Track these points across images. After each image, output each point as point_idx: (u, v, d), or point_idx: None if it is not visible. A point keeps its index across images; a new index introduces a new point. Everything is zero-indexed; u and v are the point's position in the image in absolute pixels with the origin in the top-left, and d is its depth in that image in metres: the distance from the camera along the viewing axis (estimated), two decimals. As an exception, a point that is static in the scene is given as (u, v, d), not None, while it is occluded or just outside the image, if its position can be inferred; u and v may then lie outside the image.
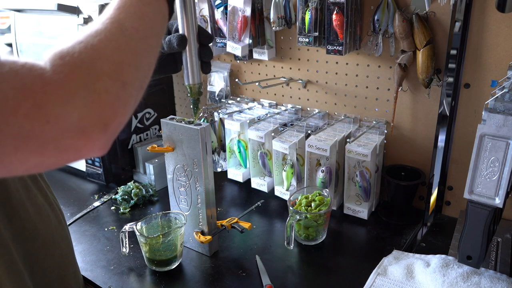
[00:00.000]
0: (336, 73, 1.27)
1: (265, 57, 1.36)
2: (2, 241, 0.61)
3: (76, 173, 1.48)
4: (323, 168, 1.18)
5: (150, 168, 1.37)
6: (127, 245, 1.02)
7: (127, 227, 1.00)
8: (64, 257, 0.74)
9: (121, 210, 1.25)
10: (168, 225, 1.03)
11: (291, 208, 1.07)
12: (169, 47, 0.78)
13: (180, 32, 0.80)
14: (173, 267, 1.00)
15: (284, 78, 1.39)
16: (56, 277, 0.71)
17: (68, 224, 1.18)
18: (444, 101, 1.11)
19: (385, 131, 1.21)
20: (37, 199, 0.69)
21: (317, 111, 1.34)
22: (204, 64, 0.83)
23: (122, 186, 1.32)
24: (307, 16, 1.14)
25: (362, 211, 1.17)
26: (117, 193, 1.30)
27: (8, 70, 0.39)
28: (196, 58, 0.82)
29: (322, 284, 0.94)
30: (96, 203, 1.30)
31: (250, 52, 1.37)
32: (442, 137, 1.14)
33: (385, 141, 1.22)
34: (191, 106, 0.89)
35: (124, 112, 0.45)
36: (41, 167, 0.43)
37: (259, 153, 1.34)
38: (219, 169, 1.48)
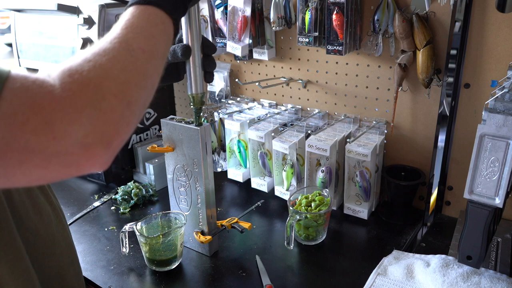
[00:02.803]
0: (336, 73, 1.27)
1: (265, 57, 1.36)
2: (5, 240, 0.61)
3: (76, 173, 1.48)
4: (323, 168, 1.18)
5: (150, 168, 1.37)
6: (127, 245, 1.02)
7: (127, 227, 1.00)
8: (64, 257, 0.74)
9: (121, 210, 1.25)
10: (168, 225, 1.03)
11: (291, 208, 1.07)
12: (173, 57, 0.79)
13: (185, 42, 0.81)
14: (173, 267, 1.00)
15: (284, 78, 1.39)
16: (57, 276, 0.71)
17: (68, 224, 1.18)
18: (444, 101, 1.11)
19: (385, 131, 1.21)
20: (38, 199, 0.69)
21: (317, 111, 1.34)
22: (207, 74, 0.85)
23: (122, 186, 1.32)
24: (307, 16, 1.14)
25: (362, 211, 1.17)
26: (117, 193, 1.30)
27: (19, 86, 0.40)
28: (199, 68, 0.83)
29: (322, 284, 0.94)
30: (96, 203, 1.30)
31: (250, 52, 1.37)
32: (442, 137, 1.14)
33: (385, 141, 1.22)
34: (194, 115, 0.90)
35: (127, 130, 0.47)
36: (43, 180, 0.45)
37: (259, 153, 1.34)
38: (219, 169, 1.48)
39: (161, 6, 0.57)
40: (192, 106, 0.88)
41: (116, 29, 0.51)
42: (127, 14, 0.55)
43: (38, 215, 0.68)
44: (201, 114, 0.91)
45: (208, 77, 0.85)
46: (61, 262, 0.73)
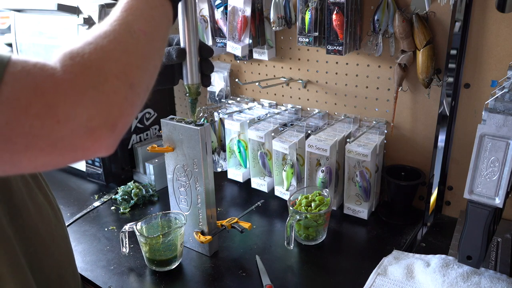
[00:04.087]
0: (336, 73, 1.27)
1: (265, 57, 1.36)
2: (5, 237, 0.61)
3: (76, 173, 1.48)
4: (323, 168, 1.18)
5: (150, 168, 1.37)
6: (127, 245, 1.02)
7: (127, 227, 1.00)
8: (63, 256, 0.74)
9: (121, 210, 1.25)
10: (168, 225, 1.03)
11: (291, 208, 1.07)
12: (168, 59, 0.80)
13: (181, 38, 0.81)
14: (173, 267, 1.00)
15: (284, 78, 1.39)
16: (55, 276, 0.71)
17: (68, 224, 1.18)
18: (444, 101, 1.11)
19: (385, 131, 1.21)
20: (37, 198, 0.69)
21: (317, 111, 1.34)
22: (205, 77, 0.85)
23: (122, 186, 1.32)
24: (307, 16, 1.14)
25: (362, 211, 1.17)
26: (117, 193, 1.30)
27: (20, 70, 0.40)
28: (195, 58, 0.82)
29: (322, 284, 0.94)
30: (96, 203, 1.30)
31: (250, 52, 1.37)
32: (442, 137, 1.14)
33: (385, 141, 1.22)
34: (189, 106, 0.89)
35: (131, 112, 0.46)
36: (48, 166, 0.44)
37: (259, 153, 1.34)
38: (219, 169, 1.48)
39: None
40: (188, 97, 0.88)
41: (116, 12, 0.51)
42: None
43: (39, 214, 0.68)
44: (197, 104, 0.91)
45: (206, 80, 0.85)
46: (61, 262, 0.73)
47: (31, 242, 0.66)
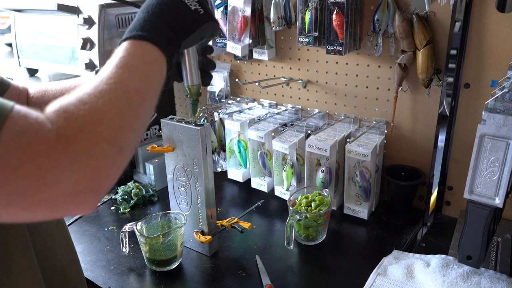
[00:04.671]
0: (336, 73, 1.27)
1: (265, 57, 1.36)
2: (19, 241, 0.62)
3: (76, 173, 1.48)
4: (323, 168, 1.18)
5: (150, 168, 1.37)
6: (127, 245, 1.02)
7: (127, 227, 1.00)
8: (65, 256, 0.74)
9: (121, 210, 1.25)
10: (168, 225, 1.03)
11: (291, 208, 1.07)
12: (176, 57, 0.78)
13: None
14: (173, 267, 1.00)
15: (284, 78, 1.39)
16: (59, 276, 0.71)
17: (68, 224, 1.18)
18: (444, 101, 1.11)
19: (385, 131, 1.21)
20: None
21: (317, 111, 1.34)
22: (206, 75, 0.85)
23: (122, 186, 1.32)
24: (307, 16, 1.14)
25: (362, 211, 1.17)
26: (117, 193, 1.30)
27: (18, 130, 0.39)
28: (194, 59, 0.82)
29: (322, 284, 0.94)
30: (96, 203, 1.30)
31: (250, 52, 1.37)
32: (442, 137, 1.14)
33: (385, 141, 1.22)
34: (191, 107, 0.89)
35: (117, 175, 0.47)
36: (27, 220, 0.44)
37: (259, 153, 1.34)
38: (219, 169, 1.48)
39: (156, 43, 0.56)
40: (189, 98, 0.88)
41: (112, 67, 0.51)
42: (122, 50, 0.54)
43: None
44: (198, 105, 0.91)
45: (207, 79, 0.85)
46: (63, 262, 0.73)
47: (33, 243, 0.66)
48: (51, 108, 0.43)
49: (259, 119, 1.35)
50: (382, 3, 1.07)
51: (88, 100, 0.45)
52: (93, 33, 1.28)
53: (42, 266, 0.67)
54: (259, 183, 1.35)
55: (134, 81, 0.51)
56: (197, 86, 0.85)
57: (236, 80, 1.45)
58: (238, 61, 1.49)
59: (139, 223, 0.99)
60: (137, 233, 0.98)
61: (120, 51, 0.54)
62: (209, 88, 1.58)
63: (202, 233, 1.02)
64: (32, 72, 1.58)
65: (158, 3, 0.61)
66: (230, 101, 1.50)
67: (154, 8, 0.61)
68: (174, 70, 0.82)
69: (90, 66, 1.31)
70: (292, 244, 1.01)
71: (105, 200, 1.32)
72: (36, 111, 0.42)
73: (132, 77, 0.51)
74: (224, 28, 1.31)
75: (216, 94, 1.56)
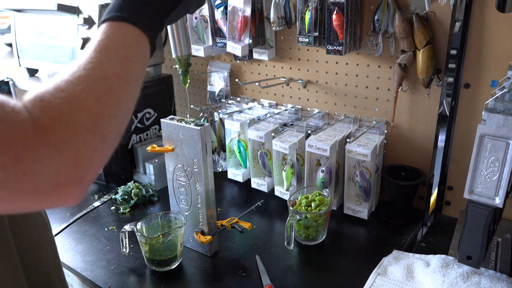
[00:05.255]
0: (336, 73, 1.27)
1: (265, 57, 1.36)
2: (3, 237, 0.61)
3: (76, 173, 1.48)
4: (323, 168, 1.18)
5: (150, 168, 1.37)
6: (127, 245, 1.02)
7: (127, 227, 1.00)
8: (50, 261, 0.72)
9: (121, 210, 1.25)
10: (168, 225, 1.03)
11: (291, 208, 1.07)
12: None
13: None
14: (173, 267, 1.00)
15: (284, 78, 1.39)
16: (44, 282, 0.70)
17: (68, 224, 1.18)
18: (444, 101, 1.11)
19: (385, 131, 1.21)
20: None
21: (317, 111, 1.34)
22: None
23: (122, 186, 1.32)
24: (307, 16, 1.14)
25: (362, 211, 1.17)
26: (117, 193, 1.30)
27: None
28: (182, 29, 0.78)
29: (322, 284, 0.94)
30: (96, 203, 1.30)
31: (250, 52, 1.37)
32: (442, 137, 1.14)
33: (385, 141, 1.22)
34: (181, 77, 0.86)
35: (101, 164, 0.45)
36: (11, 212, 0.43)
37: (259, 153, 1.34)
38: (219, 169, 1.48)
39: (136, 23, 0.54)
40: (178, 68, 0.85)
41: (90, 51, 0.49)
42: (100, 32, 0.51)
43: (26, 219, 0.67)
44: (188, 75, 0.88)
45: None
46: (48, 267, 0.72)
47: (17, 248, 0.65)
48: (28, 97, 0.42)
49: (259, 119, 1.35)
50: (382, 3, 1.07)
51: (65, 87, 0.43)
52: (93, 33, 1.28)
53: (26, 271, 0.65)
54: (259, 183, 1.35)
55: (114, 65, 0.49)
56: (186, 56, 0.82)
57: (236, 80, 1.45)
58: (238, 61, 1.49)
59: (139, 223, 0.99)
60: (137, 233, 0.98)
61: (99, 34, 0.51)
62: (209, 88, 1.58)
63: (202, 233, 1.02)
64: (32, 72, 1.58)
65: None
66: (230, 101, 1.50)
67: None
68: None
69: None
70: (292, 244, 1.01)
71: (105, 200, 1.32)
72: (14, 100, 0.41)
73: (112, 61, 0.49)
74: (224, 28, 1.31)
75: (216, 94, 1.56)
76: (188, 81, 0.91)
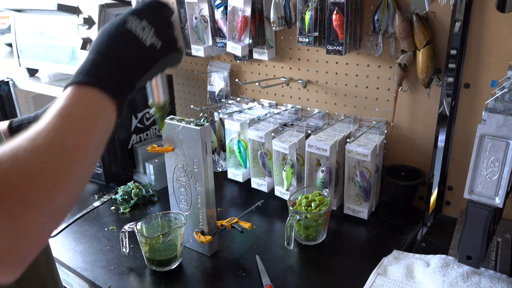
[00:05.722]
0: (336, 73, 1.27)
1: (265, 57, 1.36)
2: None
3: (76, 173, 1.48)
4: (323, 168, 1.18)
5: (150, 168, 1.37)
6: (127, 245, 1.02)
7: (127, 227, 1.00)
8: (43, 264, 0.72)
9: (121, 210, 1.25)
10: (168, 225, 1.03)
11: (291, 208, 1.07)
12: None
13: None
14: (173, 267, 1.00)
15: (284, 78, 1.39)
16: (36, 283, 0.70)
17: (68, 224, 1.18)
18: (444, 101, 1.11)
19: (385, 131, 1.21)
20: None
21: (317, 111, 1.34)
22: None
23: (122, 186, 1.32)
24: (307, 16, 1.14)
25: (362, 211, 1.17)
26: (117, 193, 1.30)
27: None
28: (161, 76, 0.76)
29: (322, 284, 0.94)
30: (96, 203, 1.30)
31: (250, 52, 1.37)
32: (442, 137, 1.14)
33: (385, 141, 1.22)
34: (157, 122, 0.83)
35: (47, 239, 0.43)
36: None
37: (259, 153, 1.34)
38: (219, 169, 1.48)
39: (104, 88, 0.50)
40: (154, 113, 0.82)
41: (52, 117, 0.46)
42: (65, 97, 0.49)
43: None
44: (165, 120, 0.84)
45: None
46: (40, 269, 0.71)
47: None
48: None
49: (259, 119, 1.35)
50: (382, 3, 1.07)
51: (23, 157, 0.41)
52: (93, 33, 1.28)
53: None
54: (259, 183, 1.35)
55: (75, 135, 0.46)
56: (164, 103, 0.79)
57: (236, 80, 1.45)
58: (238, 61, 1.49)
59: (139, 223, 0.99)
60: (137, 233, 0.98)
61: (64, 98, 0.48)
62: (209, 88, 1.58)
63: (202, 233, 1.02)
64: (32, 72, 1.58)
65: (108, 41, 0.54)
66: (230, 101, 1.50)
67: (102, 47, 0.54)
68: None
69: (90, 66, 1.31)
70: (292, 244, 1.01)
71: (105, 200, 1.32)
72: None
73: (73, 130, 0.46)
74: (224, 28, 1.31)
75: (216, 94, 1.56)
76: (165, 124, 0.87)
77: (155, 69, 0.59)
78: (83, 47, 1.29)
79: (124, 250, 1.02)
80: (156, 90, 0.74)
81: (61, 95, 0.49)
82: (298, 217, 1.03)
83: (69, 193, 0.45)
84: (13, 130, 0.82)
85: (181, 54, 0.63)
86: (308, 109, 1.38)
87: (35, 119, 0.79)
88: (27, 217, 0.39)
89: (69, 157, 0.45)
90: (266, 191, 1.34)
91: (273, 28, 1.24)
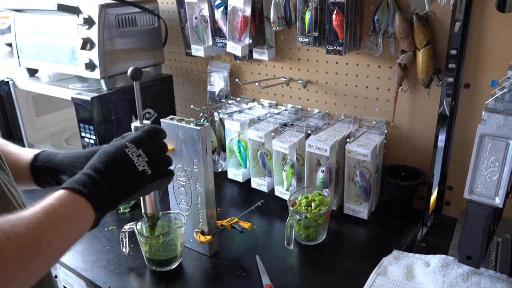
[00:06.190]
0: (336, 73, 1.27)
1: (265, 57, 1.36)
2: None
3: (76, 173, 1.48)
4: (323, 168, 1.18)
5: (150, 168, 1.36)
6: (127, 245, 1.02)
7: (127, 227, 1.00)
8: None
9: (121, 210, 1.25)
10: (168, 225, 1.03)
11: (291, 208, 1.07)
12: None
13: None
14: (173, 267, 1.00)
15: (284, 78, 1.39)
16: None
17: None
18: (444, 101, 1.11)
19: (385, 131, 1.21)
20: (12, 208, 0.67)
21: (317, 111, 1.34)
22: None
23: (122, 186, 1.31)
24: (307, 16, 1.14)
25: (362, 211, 1.17)
26: (117, 193, 1.30)
27: None
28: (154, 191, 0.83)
29: (322, 284, 0.94)
30: (96, 203, 1.30)
31: (250, 52, 1.37)
32: (442, 137, 1.14)
33: (385, 141, 1.22)
34: (148, 228, 0.91)
35: None
36: None
37: (259, 153, 1.34)
38: (219, 169, 1.48)
39: (91, 200, 0.58)
40: (147, 221, 0.89)
41: (38, 210, 0.51)
42: (56, 197, 0.55)
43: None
44: (156, 228, 0.92)
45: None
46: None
47: None
48: None
49: (259, 119, 1.35)
50: (382, 3, 1.07)
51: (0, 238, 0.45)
52: (93, 33, 1.28)
53: None
54: (259, 183, 1.35)
55: (51, 232, 0.51)
56: (154, 214, 0.87)
57: (236, 80, 1.45)
58: (238, 61, 1.49)
59: (139, 223, 0.99)
60: (137, 233, 0.98)
61: (54, 197, 0.55)
62: (209, 88, 1.58)
63: (202, 233, 1.02)
64: (32, 72, 1.58)
65: (105, 160, 0.63)
66: (230, 101, 1.50)
67: (100, 164, 0.63)
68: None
69: (90, 66, 1.31)
70: (292, 244, 1.01)
71: (105, 200, 1.32)
72: None
73: (52, 228, 0.51)
74: (224, 28, 1.31)
75: (216, 94, 1.56)
76: (157, 232, 0.95)
77: (142, 192, 0.67)
78: (83, 47, 1.29)
79: (124, 250, 1.02)
80: (149, 202, 0.85)
81: (53, 194, 0.56)
82: (298, 217, 1.03)
83: (24, 282, 0.48)
84: (34, 169, 0.83)
85: (169, 179, 0.72)
86: (308, 109, 1.38)
87: (58, 168, 0.81)
88: None
89: (39, 250, 0.49)
90: (266, 191, 1.34)
91: (273, 28, 1.24)
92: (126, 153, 0.65)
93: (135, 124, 0.79)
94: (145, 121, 0.80)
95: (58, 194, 0.56)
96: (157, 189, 0.72)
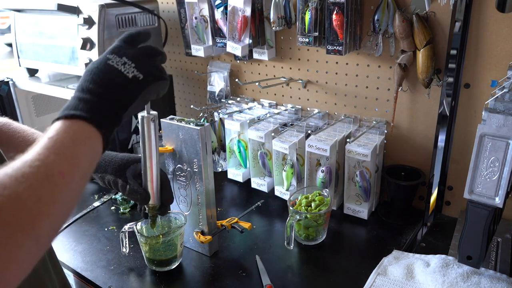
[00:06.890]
0: (336, 73, 1.27)
1: (265, 57, 1.36)
2: None
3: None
4: (323, 168, 1.18)
5: (150, 168, 1.36)
6: (127, 245, 1.02)
7: (127, 227, 1.00)
8: (45, 262, 0.71)
9: (121, 210, 1.25)
10: (168, 225, 1.03)
11: (291, 208, 1.07)
12: (131, 196, 0.84)
13: (142, 163, 0.85)
14: (173, 267, 1.00)
15: (284, 78, 1.39)
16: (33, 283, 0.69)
17: (68, 224, 1.18)
18: (444, 101, 1.11)
19: (385, 131, 1.21)
20: None
21: (317, 111, 1.34)
22: (163, 207, 0.88)
23: (122, 186, 1.32)
24: (307, 16, 1.14)
25: (362, 211, 1.17)
26: (117, 193, 1.30)
27: None
28: (157, 182, 0.85)
29: (322, 284, 0.94)
30: (96, 203, 1.30)
31: (250, 52, 1.37)
32: (442, 137, 1.14)
33: (385, 141, 1.22)
34: (150, 221, 0.92)
35: (32, 265, 0.44)
36: None
37: (259, 153, 1.34)
38: (219, 169, 1.48)
39: (89, 119, 0.54)
40: (148, 213, 0.90)
41: (39, 148, 0.48)
42: (52, 130, 0.52)
43: None
44: (156, 221, 0.94)
45: (164, 211, 0.89)
46: (36, 266, 0.71)
47: None
48: None
49: (259, 119, 1.35)
50: (382, 3, 1.07)
51: (9, 184, 0.43)
52: (93, 33, 1.28)
53: None
54: (259, 183, 1.35)
55: (60, 163, 0.48)
56: (157, 205, 0.88)
57: (236, 80, 1.45)
58: (238, 61, 1.49)
59: (139, 223, 0.99)
60: (137, 233, 0.98)
61: (50, 131, 0.52)
62: (209, 88, 1.58)
63: (202, 233, 1.02)
64: (32, 72, 1.58)
65: (91, 77, 0.59)
66: (230, 101, 1.50)
67: (87, 83, 0.59)
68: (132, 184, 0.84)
69: (90, 66, 1.31)
70: (292, 244, 1.01)
71: (105, 200, 1.32)
72: None
73: (59, 158, 0.49)
74: (224, 28, 1.31)
75: (216, 94, 1.56)
76: (157, 231, 0.96)
77: (140, 99, 0.63)
78: (83, 47, 1.29)
79: (124, 250, 1.02)
80: (152, 194, 0.85)
81: (49, 129, 0.52)
82: (298, 217, 1.03)
83: (53, 219, 0.46)
84: None
85: (165, 83, 0.68)
86: (308, 109, 1.38)
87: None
88: (13, 240, 0.40)
89: (54, 183, 0.47)
90: (266, 191, 1.34)
91: (273, 28, 1.24)
92: (110, 64, 0.61)
93: (142, 113, 0.82)
94: (153, 112, 0.83)
95: (53, 127, 0.53)
96: (156, 96, 0.68)
